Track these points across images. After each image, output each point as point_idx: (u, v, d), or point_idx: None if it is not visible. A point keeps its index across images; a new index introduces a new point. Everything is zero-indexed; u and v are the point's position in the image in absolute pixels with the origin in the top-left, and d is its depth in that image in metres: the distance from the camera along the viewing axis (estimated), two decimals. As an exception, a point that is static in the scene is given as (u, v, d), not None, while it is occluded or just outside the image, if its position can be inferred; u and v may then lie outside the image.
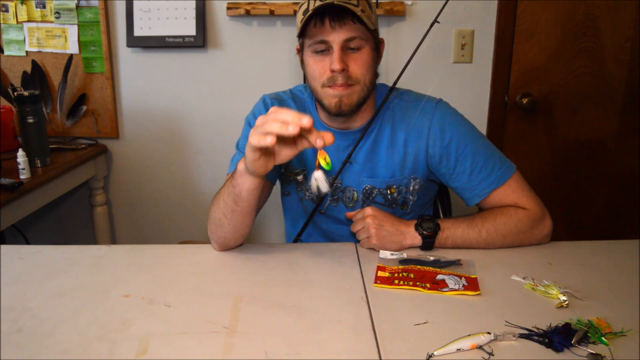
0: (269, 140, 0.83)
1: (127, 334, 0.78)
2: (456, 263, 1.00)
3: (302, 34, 1.08)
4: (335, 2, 1.01)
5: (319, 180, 0.90)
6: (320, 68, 1.07)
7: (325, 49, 1.06)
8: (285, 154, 0.92)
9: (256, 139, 0.84)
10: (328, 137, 0.85)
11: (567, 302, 0.85)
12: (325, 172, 0.90)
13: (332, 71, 1.05)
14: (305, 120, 0.81)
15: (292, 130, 0.81)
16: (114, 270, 0.99)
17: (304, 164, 1.21)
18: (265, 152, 0.90)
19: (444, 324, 0.80)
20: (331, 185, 1.18)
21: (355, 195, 1.20)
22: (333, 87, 1.07)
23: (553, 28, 1.94)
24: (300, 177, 1.22)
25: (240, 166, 0.95)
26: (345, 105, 1.08)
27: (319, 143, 0.84)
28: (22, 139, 1.72)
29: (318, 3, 1.03)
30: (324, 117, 1.18)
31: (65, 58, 2.02)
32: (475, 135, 1.16)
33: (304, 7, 1.06)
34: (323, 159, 0.89)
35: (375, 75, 1.13)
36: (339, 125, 1.17)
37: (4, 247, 1.08)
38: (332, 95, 1.07)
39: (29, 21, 2.03)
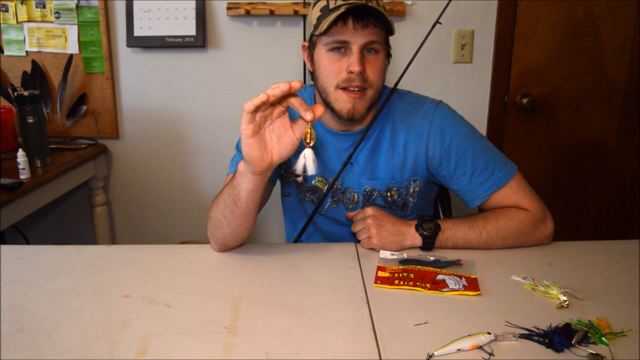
0: (261, 96, 0.83)
1: (127, 334, 0.78)
2: (456, 263, 1.00)
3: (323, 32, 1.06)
4: (370, 4, 1.00)
5: (307, 158, 0.90)
6: (337, 68, 1.06)
7: (341, 48, 1.05)
8: (284, 145, 0.91)
9: (248, 102, 0.86)
10: (318, 110, 0.86)
11: (567, 302, 0.85)
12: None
13: (350, 72, 1.04)
14: (294, 82, 0.83)
15: (282, 87, 0.83)
16: (114, 270, 0.99)
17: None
18: (259, 135, 0.89)
19: (444, 324, 0.80)
20: (331, 187, 1.18)
21: (356, 197, 1.20)
22: (347, 91, 1.06)
23: (553, 28, 1.94)
24: (300, 179, 1.22)
25: (241, 166, 0.95)
26: (357, 112, 1.08)
27: (308, 116, 0.85)
28: (22, 139, 1.72)
29: (340, 2, 1.02)
30: (326, 118, 1.18)
31: (65, 58, 2.02)
32: (475, 137, 1.16)
33: (322, 3, 1.05)
34: (307, 133, 0.89)
35: (384, 80, 1.13)
36: (340, 127, 1.17)
37: (4, 247, 1.08)
38: (345, 101, 1.07)
39: (29, 21, 2.03)
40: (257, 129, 0.89)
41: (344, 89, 1.06)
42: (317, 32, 1.05)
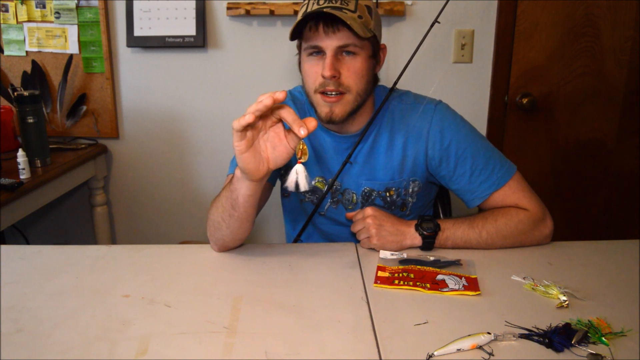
0: (247, 117, 0.83)
1: (127, 334, 0.78)
2: (456, 263, 1.00)
3: (299, 37, 1.08)
4: (325, 10, 1.00)
5: (299, 174, 0.89)
6: (314, 73, 1.07)
7: (319, 52, 1.06)
8: (279, 154, 0.90)
9: (236, 121, 0.85)
10: (311, 124, 0.85)
11: (567, 302, 0.85)
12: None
13: (323, 77, 1.05)
14: (278, 94, 0.82)
15: (266, 101, 0.81)
16: (114, 270, 0.99)
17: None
18: (253, 148, 0.89)
19: (444, 324, 0.80)
20: (330, 187, 1.18)
21: (355, 197, 1.20)
22: (324, 95, 1.06)
23: (553, 28, 1.94)
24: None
25: (237, 172, 0.95)
26: (336, 116, 1.08)
27: (302, 132, 0.84)
28: (22, 139, 1.72)
29: (316, 7, 1.02)
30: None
31: (65, 58, 2.02)
32: (474, 137, 1.16)
33: (304, 8, 1.06)
34: (300, 149, 0.88)
35: (372, 82, 1.12)
36: (338, 128, 1.17)
37: (4, 247, 1.08)
38: (323, 105, 1.07)
39: (29, 21, 2.03)
40: (250, 143, 0.89)
41: (323, 93, 1.06)
42: (289, 37, 1.07)
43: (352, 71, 1.06)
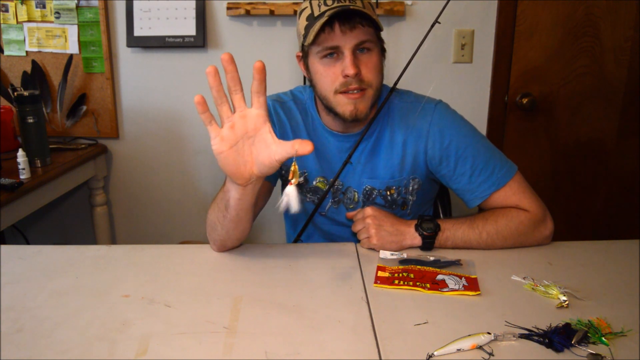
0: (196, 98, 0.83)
1: (127, 334, 0.78)
2: (456, 263, 1.00)
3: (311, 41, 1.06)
4: (352, 7, 1.00)
5: (290, 196, 0.84)
6: (332, 74, 1.06)
7: (334, 53, 1.05)
8: (262, 162, 0.87)
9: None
10: (304, 148, 0.82)
11: (567, 302, 0.85)
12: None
13: (346, 76, 1.04)
14: (257, 64, 0.89)
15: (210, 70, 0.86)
16: (114, 270, 0.99)
17: (304, 166, 1.21)
18: (235, 150, 0.88)
19: (444, 324, 0.80)
20: (331, 186, 1.18)
21: (356, 196, 1.20)
22: (347, 94, 1.06)
23: (553, 28, 1.94)
24: (301, 180, 1.22)
25: None
26: (360, 112, 1.07)
27: (300, 150, 0.82)
28: (22, 139, 1.72)
29: (324, 8, 1.02)
30: (327, 120, 1.18)
31: (65, 58, 2.02)
32: (475, 137, 1.15)
33: (307, 11, 1.05)
34: (292, 170, 0.85)
35: (382, 77, 1.13)
36: (341, 128, 1.17)
37: (4, 247, 1.08)
38: (346, 103, 1.07)
39: (29, 21, 2.03)
40: (228, 143, 0.88)
41: (344, 92, 1.06)
42: (306, 43, 1.05)
43: (371, 67, 1.06)
